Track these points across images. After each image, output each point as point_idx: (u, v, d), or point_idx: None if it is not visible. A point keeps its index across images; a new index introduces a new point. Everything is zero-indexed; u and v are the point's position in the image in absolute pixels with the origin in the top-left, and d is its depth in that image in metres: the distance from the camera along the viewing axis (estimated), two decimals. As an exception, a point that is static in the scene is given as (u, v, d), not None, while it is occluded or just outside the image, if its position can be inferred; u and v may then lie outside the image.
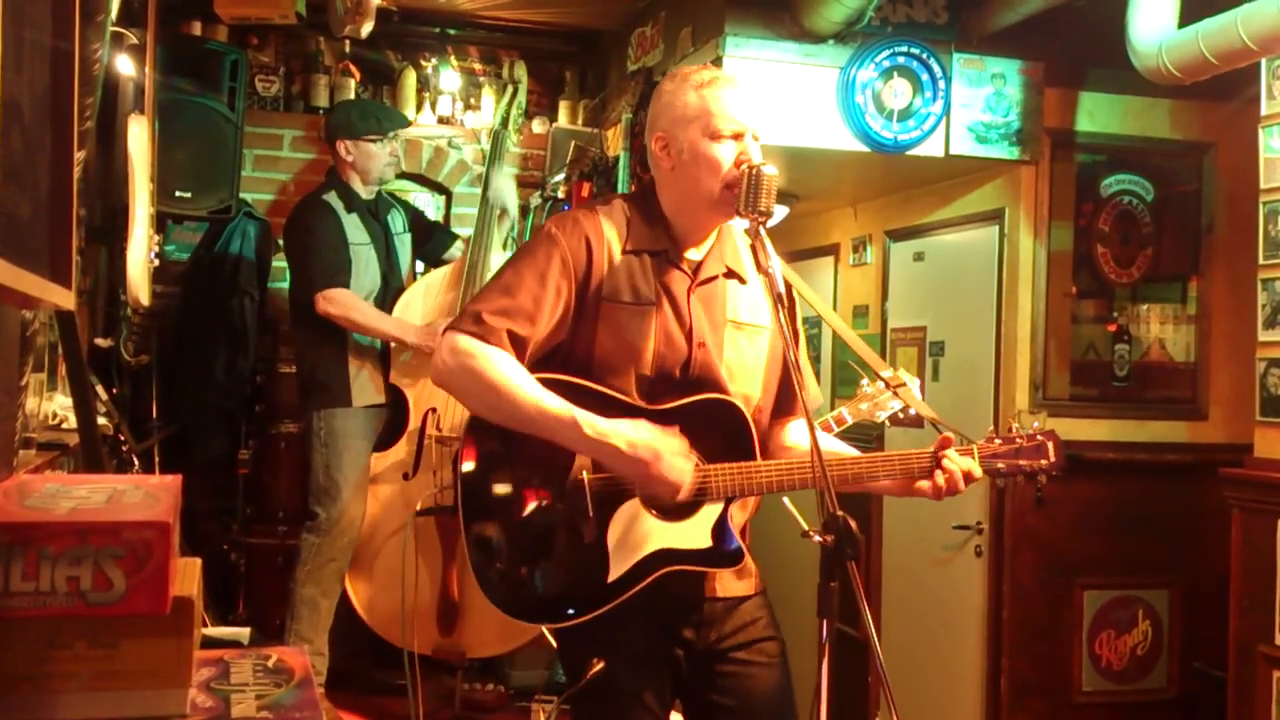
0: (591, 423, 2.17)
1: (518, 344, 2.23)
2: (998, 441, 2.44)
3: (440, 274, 4.63)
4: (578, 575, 2.29)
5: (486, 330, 2.20)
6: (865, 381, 2.99)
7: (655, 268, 2.32)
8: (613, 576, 2.26)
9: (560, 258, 2.26)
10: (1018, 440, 2.44)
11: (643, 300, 2.29)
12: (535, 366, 2.28)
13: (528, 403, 2.18)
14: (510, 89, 5.25)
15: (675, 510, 2.28)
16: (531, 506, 2.30)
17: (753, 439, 2.30)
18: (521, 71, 5.39)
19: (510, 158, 5.29)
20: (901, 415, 3.28)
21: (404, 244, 4.73)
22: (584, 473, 2.26)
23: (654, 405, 2.27)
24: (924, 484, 2.35)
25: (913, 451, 2.36)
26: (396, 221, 4.74)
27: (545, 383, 2.23)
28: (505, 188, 4.86)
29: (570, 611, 2.29)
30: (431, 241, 4.92)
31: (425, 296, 4.54)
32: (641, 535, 2.27)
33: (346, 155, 4.57)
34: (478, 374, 2.20)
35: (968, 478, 2.35)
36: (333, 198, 4.54)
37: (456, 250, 4.86)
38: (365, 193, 4.62)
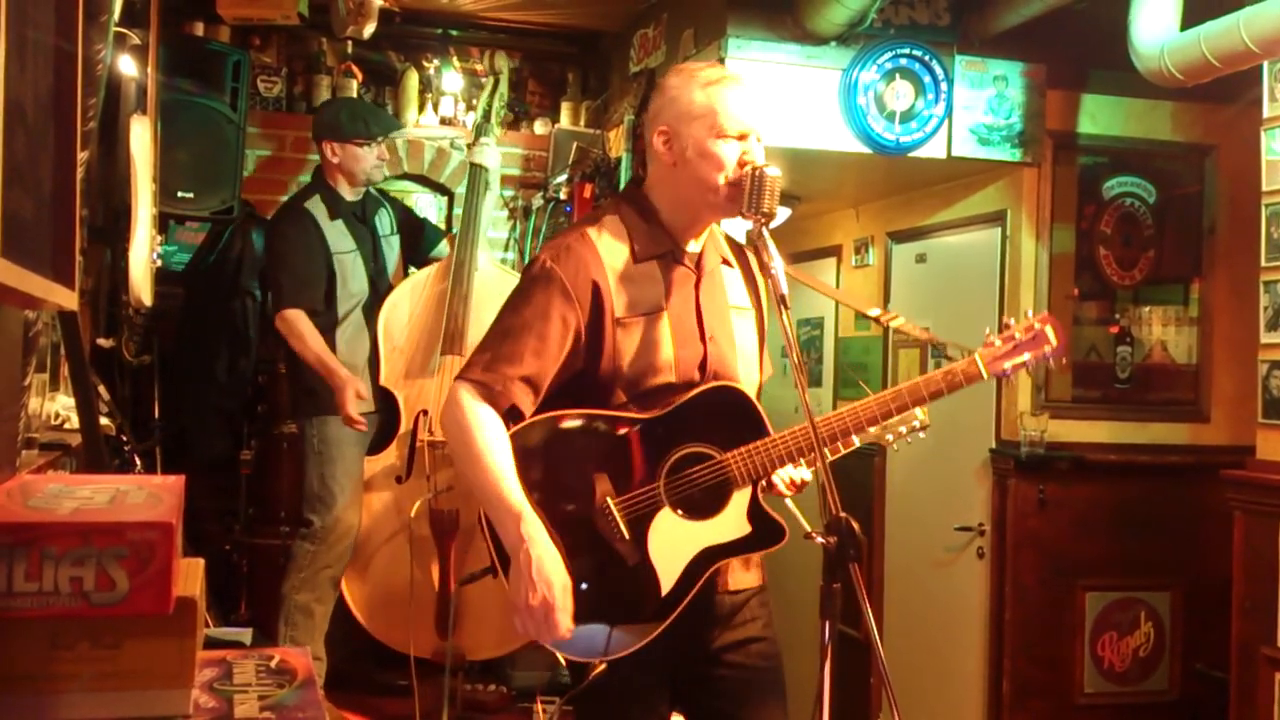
0: (531, 525, 2.15)
1: (532, 385, 2.23)
2: (997, 343, 2.42)
3: (425, 273, 4.57)
4: (634, 598, 2.27)
5: (490, 382, 2.21)
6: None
7: (662, 270, 2.32)
8: (665, 589, 2.26)
9: (561, 290, 2.25)
10: (1016, 336, 2.43)
11: (653, 308, 2.29)
12: (557, 397, 2.27)
13: (488, 475, 2.18)
14: (492, 80, 5.16)
15: (705, 507, 2.28)
16: (570, 545, 2.24)
17: (761, 417, 2.30)
18: (503, 62, 5.30)
19: (505, 157, 5.24)
20: (910, 440, 3.22)
21: (392, 246, 4.65)
22: (608, 497, 2.26)
23: (654, 412, 2.27)
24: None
25: (919, 379, 2.36)
26: (384, 223, 4.66)
27: (554, 419, 2.25)
28: (487, 153, 4.77)
29: (636, 635, 2.26)
30: (420, 240, 4.87)
31: (412, 294, 4.48)
32: (682, 541, 2.27)
33: (332, 156, 4.50)
34: (460, 429, 2.22)
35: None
36: (315, 204, 4.47)
37: (443, 249, 4.80)
38: (351, 194, 4.54)
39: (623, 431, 2.26)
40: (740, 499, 2.28)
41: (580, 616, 2.23)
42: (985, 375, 2.38)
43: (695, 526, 2.27)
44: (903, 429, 2.49)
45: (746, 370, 2.37)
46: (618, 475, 2.26)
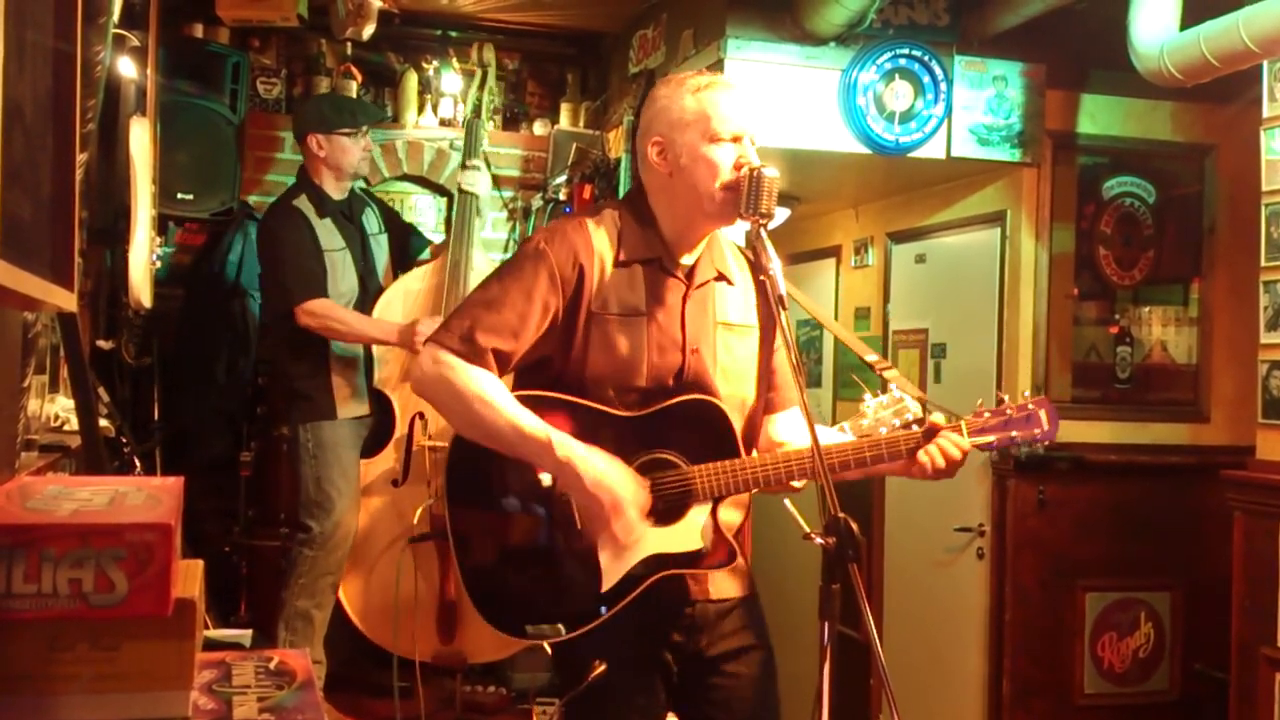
0: (565, 445, 2.17)
1: (500, 358, 2.23)
2: (987, 414, 2.40)
3: (419, 272, 4.52)
4: (571, 587, 2.28)
5: (471, 349, 2.20)
6: (867, 396, 2.92)
7: (647, 277, 2.31)
8: (605, 586, 2.25)
9: (549, 272, 2.25)
10: (1008, 411, 2.40)
11: (633, 311, 2.28)
12: (521, 379, 2.27)
13: (502, 421, 2.18)
14: (479, 74, 5.03)
15: (663, 514, 2.27)
16: (520, 523, 2.30)
17: (736, 437, 2.28)
18: (490, 54, 5.21)
19: (505, 158, 5.23)
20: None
21: (380, 245, 4.59)
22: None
23: (635, 412, 2.27)
24: (916, 466, 2.32)
25: (901, 434, 2.34)
26: (371, 221, 4.59)
27: (525, 399, 2.23)
28: (474, 180, 4.71)
29: (566, 625, 2.28)
30: (407, 245, 4.80)
31: (405, 295, 4.45)
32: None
33: (319, 150, 4.40)
34: (454, 388, 2.20)
35: (955, 462, 2.32)
36: (303, 203, 4.40)
37: (425, 255, 4.75)
38: (338, 192, 4.47)
39: (596, 424, 2.25)
40: (698, 514, 2.27)
41: (515, 596, 2.29)
42: (968, 445, 2.35)
43: (648, 531, 2.25)
44: (896, 421, 2.47)
45: (732, 388, 2.34)
46: (586, 463, 2.24)
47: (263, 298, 4.53)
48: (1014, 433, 2.40)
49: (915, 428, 2.53)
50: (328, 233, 4.39)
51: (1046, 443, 2.42)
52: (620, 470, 2.19)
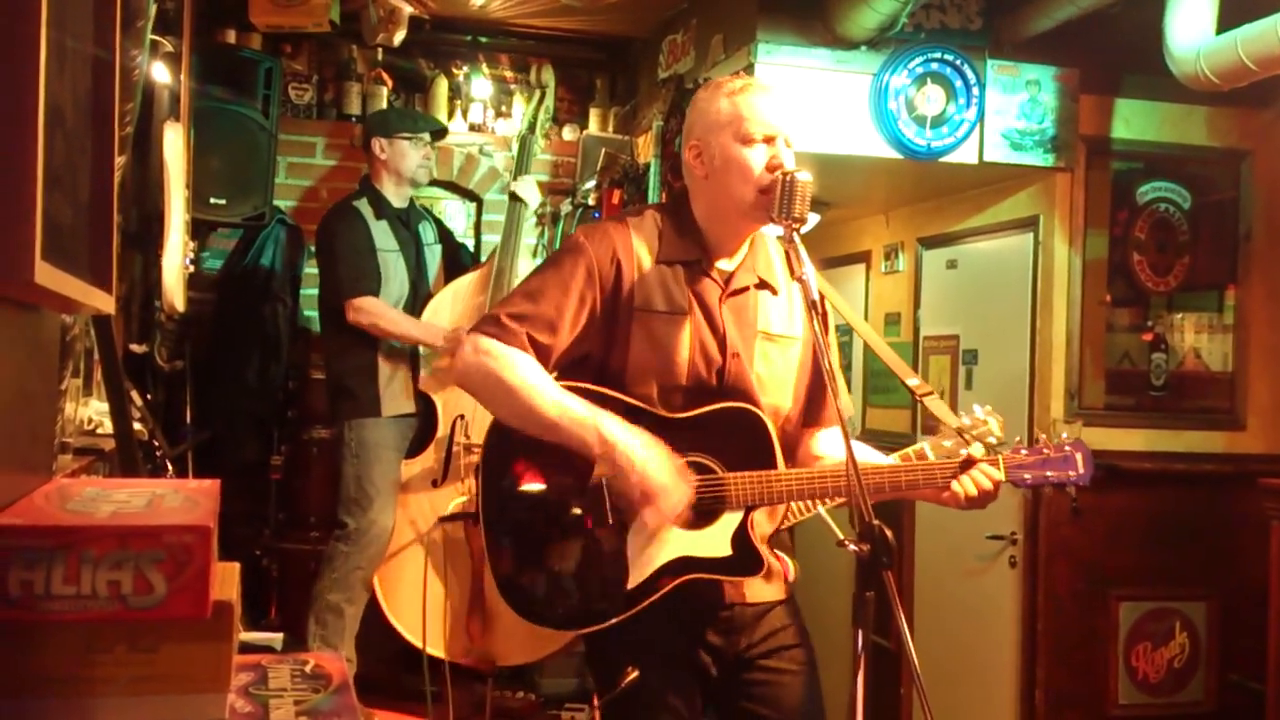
0: (610, 430, 2.17)
1: (539, 350, 2.23)
2: (1024, 452, 2.39)
3: (468, 279, 4.64)
4: (598, 582, 2.29)
5: (508, 334, 2.22)
6: (962, 415, 2.73)
7: (687, 277, 2.32)
8: (632, 584, 2.26)
9: (586, 267, 2.27)
10: (1045, 451, 2.39)
11: (676, 309, 2.29)
12: (562, 377, 2.28)
13: (548, 404, 2.19)
14: (538, 94, 5.27)
15: (695, 518, 2.26)
16: (551, 513, 2.31)
17: (774, 447, 2.28)
18: (549, 76, 5.40)
19: (537, 164, 5.29)
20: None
21: (434, 254, 4.74)
22: (604, 478, 2.25)
23: (676, 414, 2.27)
24: (949, 494, 2.32)
25: (937, 462, 2.34)
26: (428, 232, 4.75)
27: (569, 390, 2.24)
28: (527, 189, 4.87)
29: (590, 617, 2.29)
30: (455, 260, 4.93)
31: (454, 301, 4.55)
32: (660, 542, 2.27)
33: (380, 154, 4.59)
34: (497, 375, 2.21)
35: (988, 494, 2.31)
36: (363, 205, 4.56)
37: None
38: (398, 199, 4.62)
39: (637, 421, 2.24)
40: (729, 520, 2.27)
41: (542, 588, 2.29)
42: (1004, 479, 2.35)
43: (678, 533, 2.26)
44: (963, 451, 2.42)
45: (768, 398, 2.35)
46: None
47: (319, 293, 4.63)
48: (1049, 473, 2.40)
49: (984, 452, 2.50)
50: (383, 234, 4.53)
51: (1080, 485, 2.40)
52: (663, 459, 2.19)
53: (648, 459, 2.16)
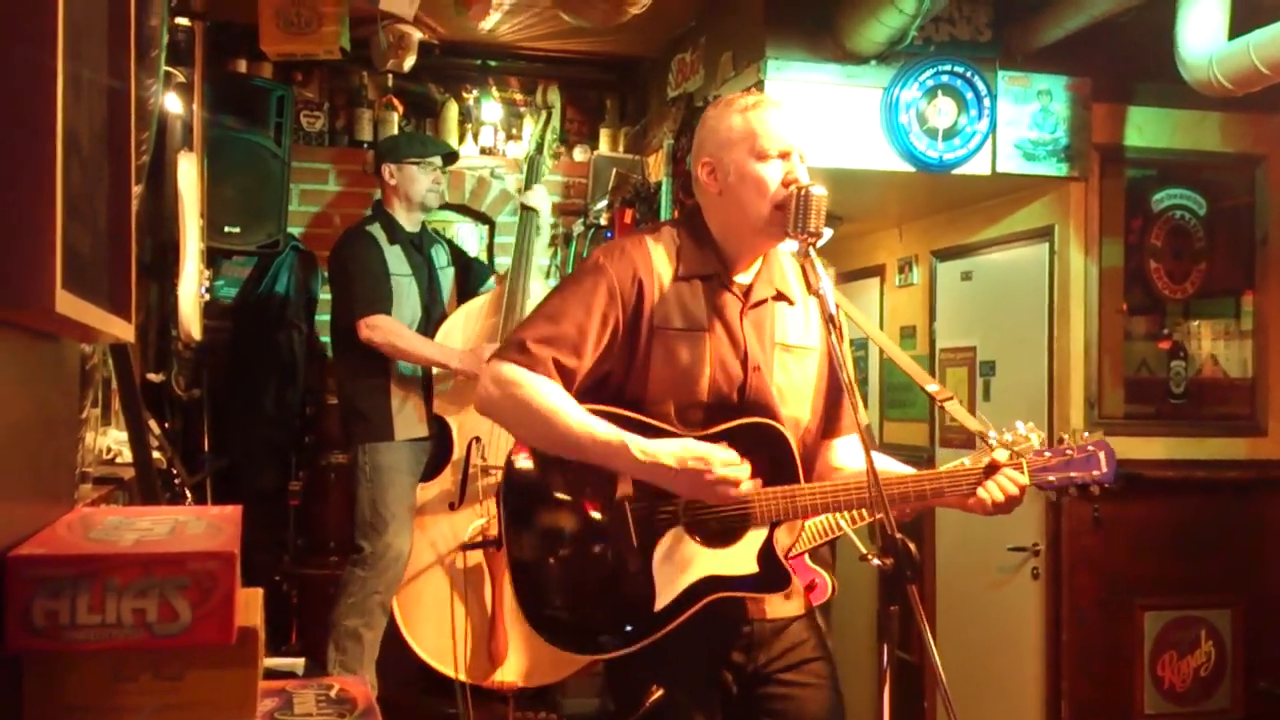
0: (641, 445, 2.16)
1: (564, 373, 2.22)
2: (1047, 454, 2.38)
3: (480, 301, 4.64)
4: (624, 605, 2.27)
5: (532, 359, 2.20)
6: (993, 434, 2.66)
7: (706, 292, 2.31)
8: (659, 605, 2.24)
9: (607, 287, 2.26)
10: (1068, 452, 2.38)
11: (695, 325, 2.28)
12: (582, 399, 2.27)
13: (577, 428, 2.17)
14: (544, 114, 5.27)
15: (719, 536, 2.26)
16: (575, 537, 2.30)
17: (796, 462, 2.27)
18: (555, 96, 5.40)
19: (548, 184, 5.30)
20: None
21: (446, 278, 4.74)
22: (626, 500, 2.25)
23: (696, 432, 2.26)
24: (974, 500, 2.31)
25: (962, 469, 2.33)
26: (440, 256, 4.76)
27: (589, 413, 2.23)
28: (538, 198, 4.87)
29: (618, 641, 2.27)
30: (470, 278, 4.94)
31: (466, 324, 4.55)
32: (686, 562, 2.25)
33: (390, 179, 4.60)
34: (524, 402, 2.19)
35: (1014, 499, 2.30)
36: (376, 229, 4.56)
37: (491, 284, 4.88)
38: (409, 224, 4.63)
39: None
40: (755, 537, 2.26)
41: (570, 614, 2.28)
42: (1028, 481, 2.33)
43: (704, 552, 2.25)
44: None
45: (788, 410, 2.34)
46: (642, 482, 2.24)
47: (332, 316, 4.64)
48: (1073, 473, 2.39)
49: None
50: (396, 258, 4.53)
51: (1105, 484, 2.39)
52: (694, 441, 2.18)
53: (686, 454, 2.15)
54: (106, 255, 1.28)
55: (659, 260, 2.31)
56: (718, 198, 2.32)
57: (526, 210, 4.83)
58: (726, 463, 2.16)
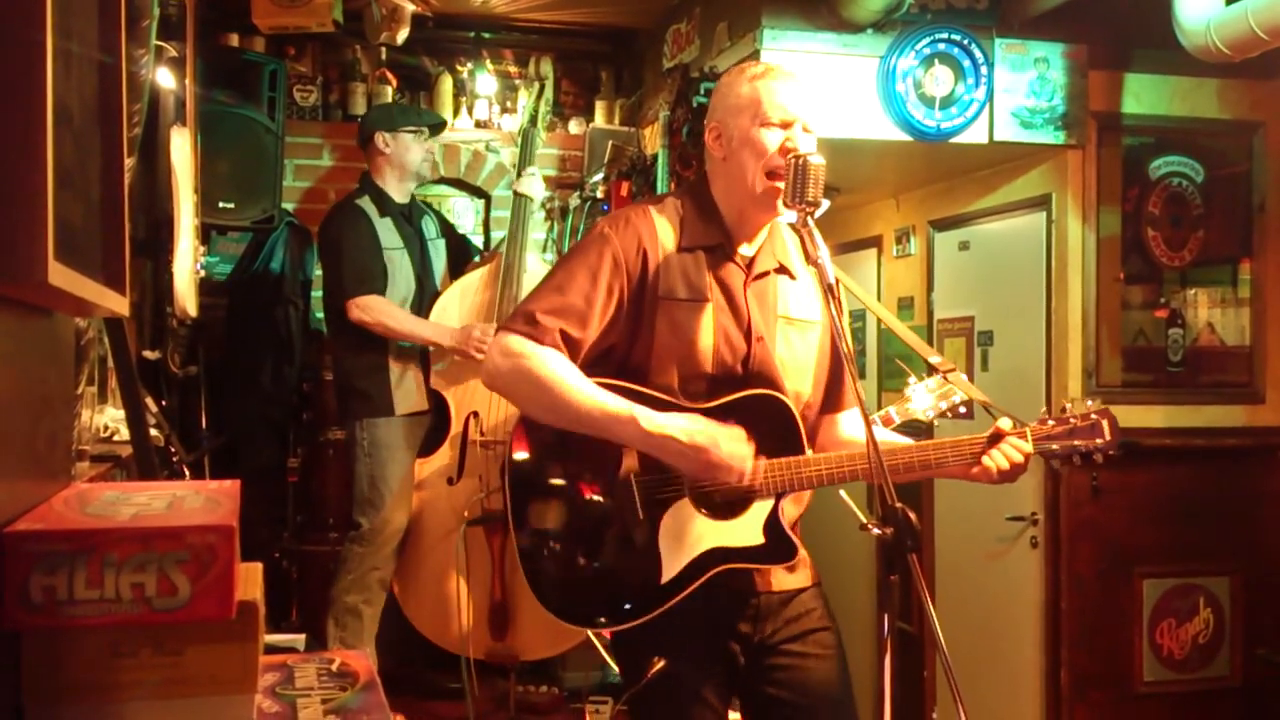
0: (649, 418, 2.16)
1: (571, 344, 2.22)
2: (1051, 422, 2.39)
3: (476, 275, 4.61)
4: (631, 577, 2.28)
5: (539, 330, 2.20)
6: (912, 380, 2.93)
7: (710, 263, 2.32)
8: (666, 578, 2.25)
9: (613, 256, 2.26)
10: (1071, 420, 2.39)
11: (698, 296, 2.28)
12: (586, 371, 2.27)
13: (585, 401, 2.17)
14: (538, 86, 5.24)
15: (725, 508, 2.26)
16: (581, 510, 2.31)
17: (800, 433, 2.28)
18: (548, 68, 5.37)
19: (542, 158, 5.28)
20: (950, 414, 3.22)
21: (438, 250, 4.70)
22: (631, 474, 2.25)
23: (699, 404, 2.26)
24: (979, 469, 2.31)
25: (966, 438, 2.33)
26: (430, 227, 4.71)
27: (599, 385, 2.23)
28: (531, 184, 4.84)
29: (625, 614, 2.28)
30: (462, 252, 4.92)
31: (461, 299, 4.52)
32: (693, 535, 2.26)
33: (384, 148, 4.53)
34: (531, 374, 2.19)
35: (1019, 466, 2.31)
36: (366, 202, 4.51)
37: (478, 260, 4.86)
38: (400, 195, 4.57)
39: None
40: (760, 509, 2.27)
41: (575, 586, 2.29)
42: (1032, 449, 2.34)
43: (709, 524, 2.26)
44: (943, 405, 2.47)
45: (794, 382, 2.35)
46: (647, 457, 2.24)
47: (325, 293, 4.61)
48: (1077, 441, 2.39)
49: (963, 410, 2.51)
50: (388, 231, 4.48)
51: (1109, 453, 2.39)
52: (702, 418, 2.18)
53: (695, 430, 2.15)
54: (99, 228, 1.27)
55: (663, 230, 2.31)
56: (722, 163, 2.33)
57: (519, 197, 4.78)
58: (732, 439, 2.15)
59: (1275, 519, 3.90)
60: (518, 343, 2.20)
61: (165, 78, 3.55)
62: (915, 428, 4.20)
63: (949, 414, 3.24)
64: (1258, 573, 4.33)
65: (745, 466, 2.18)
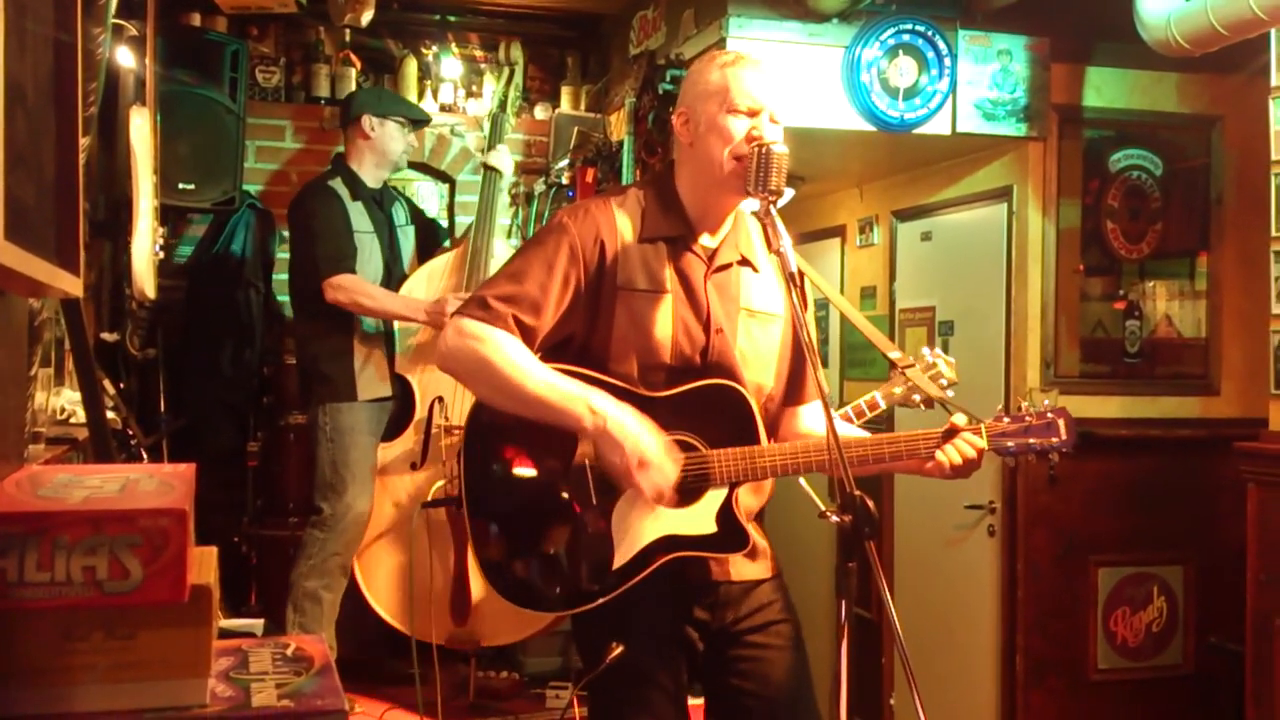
0: (600, 404, 2.16)
1: (525, 332, 2.23)
2: (1007, 420, 2.40)
3: (443, 260, 4.59)
4: (584, 563, 2.29)
5: (493, 315, 2.20)
6: (910, 356, 2.94)
7: (670, 254, 2.32)
8: (617, 564, 2.26)
9: (570, 246, 2.26)
10: (1027, 419, 2.40)
11: (657, 287, 2.29)
12: (545, 359, 2.26)
13: (535, 383, 2.18)
14: (507, 71, 5.23)
15: (680, 496, 2.26)
16: (536, 496, 2.31)
17: (756, 424, 2.28)
18: (519, 53, 5.35)
19: (509, 143, 5.26)
20: (922, 405, 3.24)
21: (407, 236, 4.67)
22: (586, 459, 2.26)
23: (658, 393, 2.26)
24: (932, 464, 2.33)
25: (920, 433, 2.34)
26: (400, 214, 4.68)
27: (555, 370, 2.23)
28: (501, 158, 4.83)
29: (578, 599, 2.29)
30: (427, 237, 4.88)
31: (429, 282, 4.50)
32: (645, 521, 2.26)
33: (371, 131, 4.46)
34: (483, 357, 2.19)
35: (972, 463, 2.32)
36: (338, 184, 4.46)
37: (447, 244, 4.84)
38: (373, 180, 4.53)
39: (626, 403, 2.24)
40: (714, 498, 2.27)
41: (529, 572, 2.31)
42: (986, 446, 2.35)
43: (662, 512, 2.26)
44: (916, 397, 2.50)
45: (754, 374, 2.35)
46: None
47: (291, 274, 4.55)
48: (1032, 440, 2.40)
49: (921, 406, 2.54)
50: (359, 214, 4.44)
51: (1063, 452, 2.41)
52: (653, 432, 2.18)
53: (639, 431, 2.16)
54: (53, 208, 1.26)
55: (622, 222, 2.31)
56: (689, 149, 2.34)
57: (489, 170, 4.78)
58: (664, 462, 2.16)
59: (1228, 510, 3.95)
60: (471, 325, 2.20)
61: (125, 57, 3.52)
62: (875, 422, 4.24)
63: (921, 405, 3.26)
64: (1211, 562, 4.40)
65: (662, 492, 2.18)
